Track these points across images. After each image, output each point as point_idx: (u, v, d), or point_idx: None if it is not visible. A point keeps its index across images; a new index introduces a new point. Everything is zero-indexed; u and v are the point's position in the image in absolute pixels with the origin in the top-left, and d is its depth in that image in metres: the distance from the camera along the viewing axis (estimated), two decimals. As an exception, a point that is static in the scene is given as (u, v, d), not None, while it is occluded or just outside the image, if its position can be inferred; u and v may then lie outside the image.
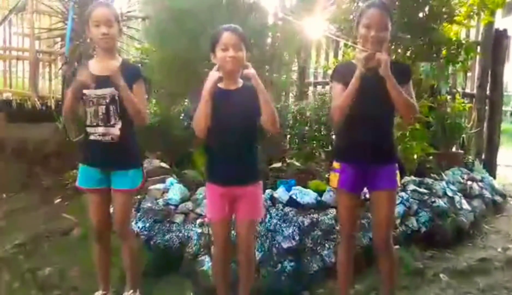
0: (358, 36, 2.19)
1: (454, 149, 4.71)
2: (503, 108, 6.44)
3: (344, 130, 2.25)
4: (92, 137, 2.27)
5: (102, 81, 2.20)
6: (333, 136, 3.86)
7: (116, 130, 2.24)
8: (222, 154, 2.15)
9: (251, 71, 2.04)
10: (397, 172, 2.23)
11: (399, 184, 2.26)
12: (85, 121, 2.28)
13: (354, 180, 2.21)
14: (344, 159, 2.23)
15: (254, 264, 2.39)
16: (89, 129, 2.28)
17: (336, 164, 2.27)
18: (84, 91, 2.22)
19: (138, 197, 3.28)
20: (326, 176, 3.41)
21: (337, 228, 2.94)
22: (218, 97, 2.08)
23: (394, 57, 4.66)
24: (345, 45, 5.28)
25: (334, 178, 2.26)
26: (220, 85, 2.13)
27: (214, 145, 2.18)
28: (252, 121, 2.12)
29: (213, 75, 2.04)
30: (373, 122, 2.14)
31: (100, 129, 2.24)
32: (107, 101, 2.22)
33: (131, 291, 2.43)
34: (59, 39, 5.16)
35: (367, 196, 2.40)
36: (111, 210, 2.46)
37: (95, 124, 2.25)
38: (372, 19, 2.09)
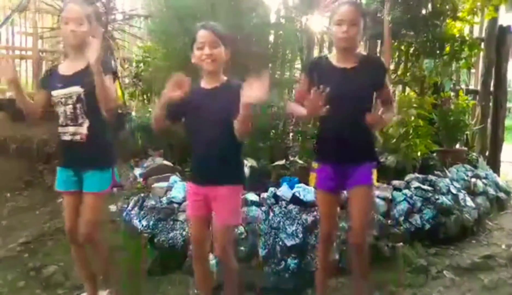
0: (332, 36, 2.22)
1: (458, 146, 4.69)
2: (508, 105, 6.40)
3: (320, 131, 2.29)
4: (64, 138, 2.26)
5: (68, 81, 2.20)
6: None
7: (83, 129, 2.22)
8: (199, 153, 2.12)
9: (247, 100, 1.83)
10: (374, 170, 2.22)
11: (375, 183, 2.24)
12: (57, 122, 2.26)
13: (331, 180, 2.22)
14: (322, 160, 2.27)
15: (235, 269, 2.24)
16: (60, 129, 2.26)
17: (315, 164, 2.30)
18: (53, 92, 2.22)
19: (142, 195, 3.30)
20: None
21: (341, 225, 2.94)
22: (196, 96, 2.04)
23: (397, 54, 4.66)
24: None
25: (313, 178, 2.29)
26: (202, 84, 2.10)
27: (192, 144, 2.15)
28: (231, 120, 1.99)
29: (174, 82, 1.95)
30: (346, 123, 2.14)
31: (70, 129, 2.23)
32: (74, 100, 2.20)
33: (108, 290, 2.42)
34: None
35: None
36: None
37: (64, 124, 2.24)
38: (344, 16, 2.10)
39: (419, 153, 3.81)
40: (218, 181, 2.07)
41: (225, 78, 2.11)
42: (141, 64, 5.34)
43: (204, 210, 2.13)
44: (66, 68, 2.27)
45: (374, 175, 2.21)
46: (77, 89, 2.19)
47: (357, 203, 2.20)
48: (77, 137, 2.23)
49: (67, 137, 2.25)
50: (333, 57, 2.24)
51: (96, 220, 2.32)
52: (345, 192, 2.34)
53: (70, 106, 2.21)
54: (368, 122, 2.08)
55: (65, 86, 2.21)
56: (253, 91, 1.79)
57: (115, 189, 3.35)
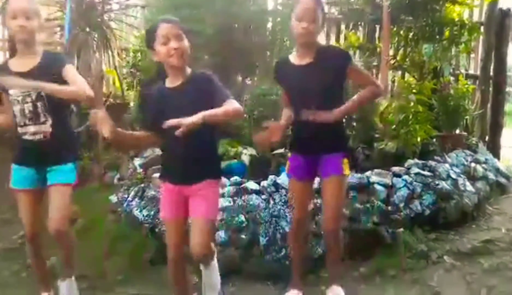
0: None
1: (457, 131, 4.67)
2: (508, 89, 6.37)
3: (293, 123, 2.31)
4: (24, 137, 2.17)
5: (25, 78, 2.08)
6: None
7: (47, 127, 2.15)
8: (171, 152, 2.04)
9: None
10: (344, 160, 2.24)
11: (346, 172, 2.25)
12: (16, 122, 2.17)
13: (302, 169, 2.31)
14: (293, 150, 2.38)
15: (216, 269, 2.23)
16: (19, 129, 2.17)
17: (289, 153, 2.46)
18: (10, 91, 2.13)
19: (142, 185, 3.30)
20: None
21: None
22: (164, 97, 1.99)
23: (396, 39, 4.63)
24: (347, 28, 5.24)
25: (287, 166, 2.41)
26: (167, 84, 2.01)
27: (164, 144, 2.08)
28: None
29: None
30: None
31: (30, 128, 2.15)
32: (33, 98, 2.12)
33: (68, 278, 2.35)
34: (58, 29, 5.13)
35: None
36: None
37: (22, 123, 2.16)
38: (303, 11, 2.10)
39: (418, 139, 3.80)
40: (196, 179, 2.01)
41: (189, 70, 2.02)
42: (139, 54, 5.32)
43: (182, 210, 2.07)
44: (18, 64, 2.16)
45: (345, 165, 2.24)
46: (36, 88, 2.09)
47: (328, 192, 2.27)
48: (39, 136, 2.16)
49: (28, 137, 2.17)
50: (294, 55, 2.28)
51: (67, 214, 2.27)
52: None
53: (29, 104, 2.13)
54: (329, 121, 2.13)
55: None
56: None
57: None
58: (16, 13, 2.08)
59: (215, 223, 2.35)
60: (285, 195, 2.95)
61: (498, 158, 4.94)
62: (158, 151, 3.80)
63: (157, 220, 2.94)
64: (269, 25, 4.33)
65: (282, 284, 2.64)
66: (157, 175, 3.27)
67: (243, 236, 2.79)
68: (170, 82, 2.02)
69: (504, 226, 3.45)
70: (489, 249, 3.02)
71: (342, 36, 5.33)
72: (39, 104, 2.13)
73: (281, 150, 3.60)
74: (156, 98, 2.02)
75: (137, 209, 3.10)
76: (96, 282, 2.68)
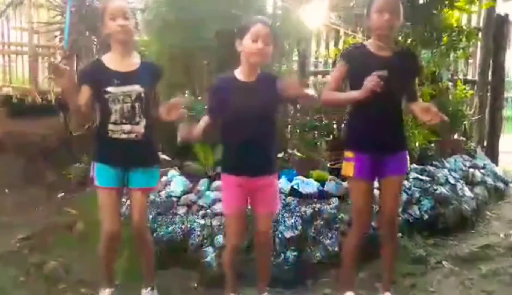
0: (369, 25, 2.18)
1: (456, 136, 4.70)
2: (506, 95, 6.40)
3: (356, 119, 2.24)
4: (114, 135, 2.20)
5: (126, 78, 2.16)
6: (335, 126, 3.85)
7: (141, 128, 2.20)
8: (241, 145, 2.11)
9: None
10: (407, 157, 2.26)
11: (408, 169, 2.29)
12: (106, 119, 2.20)
13: (370, 168, 2.19)
14: (359, 148, 2.20)
15: (271, 256, 2.41)
16: (112, 127, 2.20)
17: (349, 153, 2.23)
18: (109, 89, 2.15)
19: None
20: (328, 165, 3.41)
21: (340, 217, 2.96)
22: (236, 89, 2.09)
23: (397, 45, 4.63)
24: (346, 33, 5.26)
25: (349, 167, 2.22)
26: (239, 76, 2.13)
27: (232, 137, 2.15)
28: (271, 111, 2.11)
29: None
30: (385, 112, 2.14)
31: (125, 127, 2.19)
32: (133, 98, 2.17)
33: (149, 288, 2.42)
34: (58, 32, 5.13)
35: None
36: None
37: (119, 122, 2.19)
38: (385, 2, 2.07)
39: (417, 144, 3.81)
40: (265, 171, 2.16)
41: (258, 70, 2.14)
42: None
43: (244, 202, 2.19)
44: (118, 64, 2.20)
45: (408, 163, 2.27)
46: (137, 88, 2.17)
47: (393, 193, 2.23)
48: (133, 136, 2.20)
49: (120, 135, 2.19)
50: (372, 45, 2.19)
51: (147, 215, 2.43)
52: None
53: (128, 104, 2.17)
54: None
55: (124, 83, 2.16)
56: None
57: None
58: (115, 13, 2.12)
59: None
60: (284, 199, 2.96)
61: (496, 163, 4.96)
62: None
63: (155, 224, 2.94)
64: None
65: (280, 289, 2.64)
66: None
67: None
68: (243, 76, 2.13)
69: (502, 231, 3.46)
70: (487, 254, 3.03)
71: (341, 42, 5.34)
72: (137, 104, 2.19)
73: (280, 154, 3.61)
74: (226, 89, 2.12)
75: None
76: (95, 287, 2.67)
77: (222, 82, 2.20)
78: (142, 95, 2.18)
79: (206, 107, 2.31)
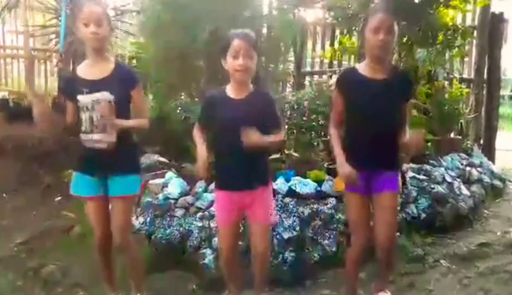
0: (364, 44, 2.15)
1: (452, 135, 4.70)
2: (502, 92, 6.42)
3: (350, 138, 2.22)
4: (88, 145, 2.17)
5: (96, 85, 2.11)
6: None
7: (112, 137, 2.12)
8: (231, 160, 2.11)
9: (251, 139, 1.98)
10: (399, 178, 2.24)
11: (400, 190, 2.26)
12: (80, 128, 2.17)
13: (361, 183, 2.16)
14: (350, 164, 2.15)
15: (269, 258, 2.38)
16: (83, 136, 2.17)
17: None
18: (78, 97, 2.12)
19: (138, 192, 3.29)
20: (325, 165, 3.42)
21: (337, 217, 2.96)
22: (226, 106, 2.07)
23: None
24: (341, 33, 5.26)
25: (340, 182, 2.25)
26: (228, 92, 2.11)
27: (222, 152, 2.15)
28: (261, 128, 2.03)
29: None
30: (378, 133, 2.12)
31: (95, 136, 2.14)
32: (102, 106, 2.11)
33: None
34: (53, 36, 5.13)
35: None
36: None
37: (89, 130, 2.14)
38: (380, 22, 2.03)
39: (414, 143, 3.81)
40: (256, 185, 2.15)
41: (251, 86, 2.13)
42: (134, 61, 5.31)
43: (236, 216, 2.19)
44: (89, 72, 2.16)
45: (400, 183, 2.25)
46: (107, 96, 2.10)
47: (387, 209, 2.17)
48: (103, 145, 2.13)
49: (91, 145, 2.16)
50: (364, 68, 2.17)
51: (129, 224, 2.37)
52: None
53: (98, 112, 2.11)
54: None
55: (92, 91, 2.10)
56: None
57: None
58: (88, 20, 2.07)
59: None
60: (281, 201, 2.96)
61: (493, 161, 4.97)
62: (153, 158, 3.81)
63: (153, 226, 2.94)
64: (264, 30, 4.34)
65: (279, 290, 2.64)
66: (153, 181, 3.28)
67: (240, 242, 2.79)
68: (233, 93, 2.11)
69: (499, 229, 3.47)
70: (485, 252, 3.04)
71: (336, 42, 5.35)
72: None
73: (277, 155, 3.62)
74: (215, 105, 2.12)
75: (133, 217, 3.09)
76: (92, 290, 2.67)
77: (212, 98, 2.19)
78: (112, 103, 2.10)
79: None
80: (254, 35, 2.09)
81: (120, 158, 2.17)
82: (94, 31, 2.07)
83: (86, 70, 2.18)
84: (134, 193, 2.30)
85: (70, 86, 2.18)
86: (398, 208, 3.17)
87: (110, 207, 2.27)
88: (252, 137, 1.98)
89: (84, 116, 2.14)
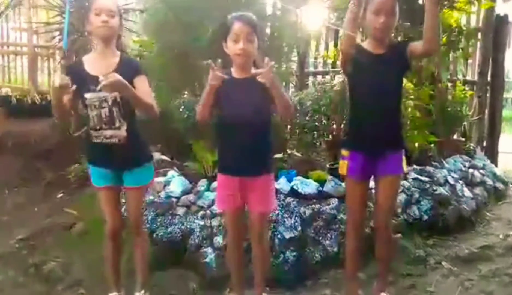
0: (365, 24, 2.19)
1: (455, 137, 4.69)
2: (505, 95, 6.40)
3: (352, 118, 2.26)
4: (97, 141, 2.19)
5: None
6: (334, 126, 3.85)
7: (122, 132, 2.16)
8: (234, 143, 2.11)
9: (263, 70, 1.96)
10: (404, 158, 2.25)
11: (405, 170, 2.28)
12: (89, 124, 2.20)
13: (363, 168, 2.21)
14: (353, 147, 2.23)
15: (269, 255, 2.40)
16: (93, 133, 2.19)
17: (345, 152, 2.27)
18: (86, 94, 2.13)
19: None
20: (327, 166, 3.41)
21: (339, 217, 2.95)
22: (229, 86, 2.05)
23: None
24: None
25: (343, 165, 2.26)
26: (233, 73, 2.11)
27: (225, 134, 2.15)
28: (265, 109, 2.07)
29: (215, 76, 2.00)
30: (381, 111, 2.15)
31: (105, 132, 2.17)
32: (109, 103, 2.13)
33: (143, 291, 2.40)
34: (57, 33, 5.13)
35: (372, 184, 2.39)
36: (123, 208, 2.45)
37: (99, 127, 2.17)
38: (382, 4, 2.08)
39: (416, 145, 3.81)
40: (258, 171, 2.14)
41: (253, 68, 2.10)
42: (138, 58, 5.31)
43: (241, 201, 2.17)
44: (96, 66, 2.15)
45: (404, 164, 2.26)
46: (113, 93, 2.10)
47: (385, 193, 2.23)
48: (115, 140, 2.17)
49: (103, 140, 2.18)
50: (366, 45, 2.22)
51: (142, 213, 2.51)
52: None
53: (106, 109, 2.14)
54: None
55: (101, 89, 2.08)
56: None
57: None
58: (101, 10, 2.11)
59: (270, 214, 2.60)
60: (283, 200, 2.96)
61: (496, 164, 4.96)
62: (155, 156, 3.81)
63: (155, 224, 2.94)
64: (268, 30, 4.34)
65: (280, 290, 2.64)
66: (155, 179, 3.27)
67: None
68: (236, 73, 2.11)
69: (501, 231, 3.46)
70: (487, 254, 3.03)
71: (340, 42, 5.34)
72: (114, 109, 2.15)
73: (280, 155, 3.61)
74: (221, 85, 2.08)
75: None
76: (93, 288, 2.67)
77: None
78: (118, 99, 2.13)
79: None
80: (255, 18, 2.08)
81: (133, 150, 2.23)
82: (105, 19, 2.11)
83: (92, 64, 2.19)
84: (148, 182, 2.36)
85: (78, 81, 2.14)
86: (400, 210, 3.20)
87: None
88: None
89: (92, 113, 2.17)
